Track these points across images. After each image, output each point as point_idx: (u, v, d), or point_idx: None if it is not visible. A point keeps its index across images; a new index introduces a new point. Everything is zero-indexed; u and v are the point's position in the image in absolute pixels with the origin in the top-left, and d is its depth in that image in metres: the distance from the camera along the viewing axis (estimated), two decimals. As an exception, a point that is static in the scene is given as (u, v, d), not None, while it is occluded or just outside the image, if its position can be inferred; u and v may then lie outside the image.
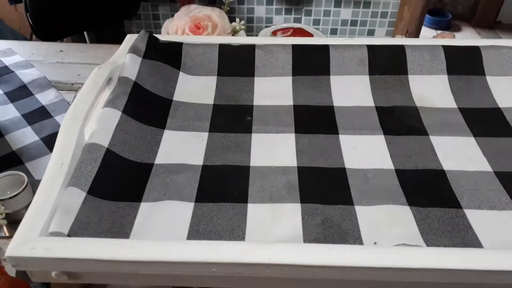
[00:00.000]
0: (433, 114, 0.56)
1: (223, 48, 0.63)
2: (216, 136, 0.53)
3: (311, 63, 0.62)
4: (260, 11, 1.73)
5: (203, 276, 0.37)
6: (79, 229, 0.38)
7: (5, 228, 0.53)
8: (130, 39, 0.63)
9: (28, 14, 1.14)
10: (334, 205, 0.44)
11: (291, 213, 0.43)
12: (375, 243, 0.41)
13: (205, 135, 0.53)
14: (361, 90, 0.60)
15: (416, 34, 1.55)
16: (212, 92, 0.60)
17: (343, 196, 0.45)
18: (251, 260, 0.35)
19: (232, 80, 0.62)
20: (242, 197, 0.45)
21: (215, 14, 0.81)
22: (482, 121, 0.55)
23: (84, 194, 0.41)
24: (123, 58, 0.58)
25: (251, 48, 0.63)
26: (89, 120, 0.49)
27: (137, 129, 0.51)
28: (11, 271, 0.37)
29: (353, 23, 1.76)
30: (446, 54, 0.61)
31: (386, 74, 0.61)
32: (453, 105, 0.58)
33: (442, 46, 0.62)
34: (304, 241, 0.41)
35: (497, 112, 0.57)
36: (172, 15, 0.83)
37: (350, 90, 0.60)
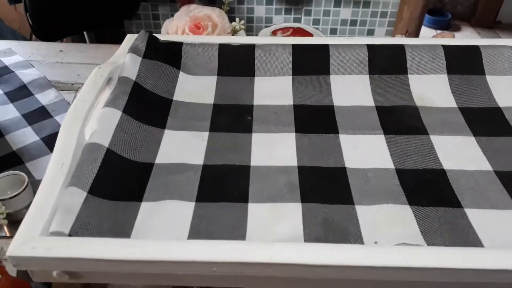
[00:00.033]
0: (433, 114, 0.56)
1: (223, 48, 0.63)
2: (216, 136, 0.53)
3: (311, 62, 0.62)
4: (260, 11, 1.73)
5: (204, 275, 0.37)
6: (80, 228, 0.38)
7: (5, 228, 0.53)
8: (130, 39, 0.63)
9: (27, 14, 1.14)
10: (335, 205, 0.44)
11: (291, 213, 0.43)
12: (375, 242, 0.41)
13: (205, 134, 0.53)
14: (361, 89, 0.60)
15: (416, 34, 1.55)
16: (212, 92, 0.60)
17: (344, 195, 0.45)
18: (252, 260, 0.35)
19: (232, 80, 0.62)
20: (242, 197, 0.45)
21: (215, 14, 0.81)
22: (482, 120, 0.55)
23: (84, 194, 0.41)
24: (123, 58, 0.58)
25: (251, 47, 0.63)
26: (89, 120, 0.49)
27: (137, 129, 0.51)
28: (12, 271, 0.37)
29: (353, 22, 1.76)
30: (446, 54, 0.61)
31: (386, 74, 0.61)
32: (453, 104, 0.58)
33: (442, 45, 0.62)
34: (305, 241, 0.41)
35: (497, 111, 0.57)
36: (172, 15, 0.83)
37: (350, 90, 0.60)
